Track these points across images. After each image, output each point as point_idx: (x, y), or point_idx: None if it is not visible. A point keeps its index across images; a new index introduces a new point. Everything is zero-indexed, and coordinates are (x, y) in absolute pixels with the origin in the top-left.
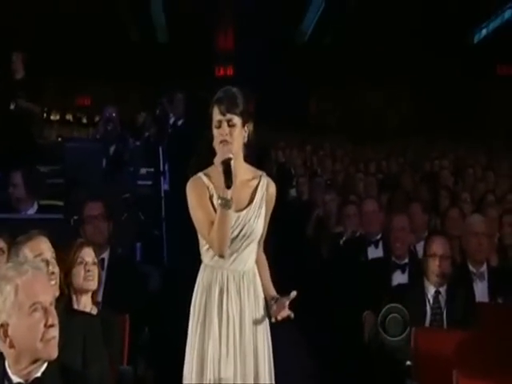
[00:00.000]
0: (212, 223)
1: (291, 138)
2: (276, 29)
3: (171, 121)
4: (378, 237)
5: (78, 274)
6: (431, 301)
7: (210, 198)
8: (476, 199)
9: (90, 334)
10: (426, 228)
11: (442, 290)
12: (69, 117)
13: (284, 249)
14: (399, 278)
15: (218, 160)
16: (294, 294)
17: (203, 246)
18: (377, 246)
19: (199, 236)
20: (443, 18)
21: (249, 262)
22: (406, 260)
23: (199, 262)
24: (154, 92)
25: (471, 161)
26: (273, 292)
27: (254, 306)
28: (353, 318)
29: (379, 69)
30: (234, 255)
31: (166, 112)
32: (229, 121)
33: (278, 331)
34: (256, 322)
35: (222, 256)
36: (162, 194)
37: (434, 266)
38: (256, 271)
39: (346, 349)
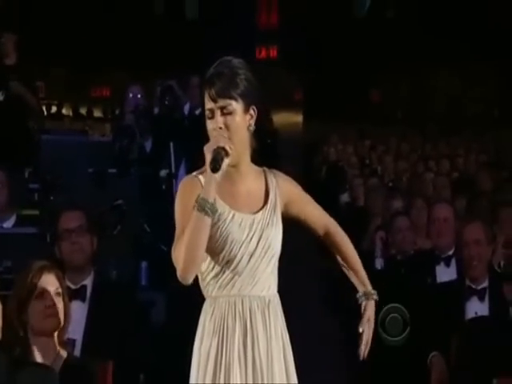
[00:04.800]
0: None
1: (348, 131)
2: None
3: (186, 110)
4: (451, 252)
5: (36, 310)
6: None
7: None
8: None
9: None
10: None
11: None
12: (83, 111)
13: (332, 268)
14: (476, 306)
15: (207, 148)
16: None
17: (208, 274)
18: (448, 265)
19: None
20: None
21: (272, 285)
22: (485, 284)
23: None
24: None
25: None
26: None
27: (283, 347)
28: (416, 358)
29: (454, 47)
30: (256, 276)
31: (178, 99)
32: (222, 108)
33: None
34: (285, 369)
35: (184, 279)
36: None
37: None
38: (279, 299)
39: None
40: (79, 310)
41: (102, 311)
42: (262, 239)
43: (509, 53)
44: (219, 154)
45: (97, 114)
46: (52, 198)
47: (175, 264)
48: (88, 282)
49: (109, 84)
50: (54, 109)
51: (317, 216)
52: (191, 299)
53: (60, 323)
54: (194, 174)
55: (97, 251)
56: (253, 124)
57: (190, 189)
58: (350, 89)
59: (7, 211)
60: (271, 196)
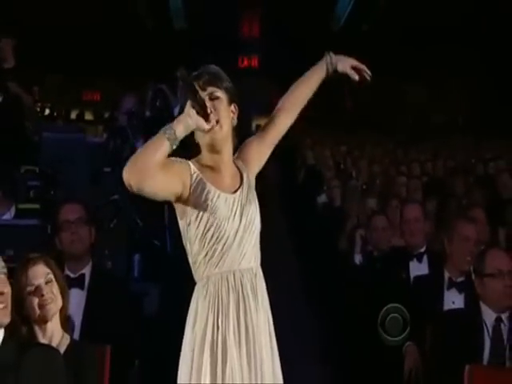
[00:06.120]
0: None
1: (324, 136)
2: (308, 13)
3: (176, 112)
4: (422, 250)
5: (33, 304)
6: (490, 331)
7: (190, 186)
8: None
9: (52, 375)
10: (484, 241)
11: (504, 316)
12: (74, 114)
13: (313, 264)
14: (454, 297)
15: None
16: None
17: (199, 254)
18: (420, 261)
19: (190, 250)
20: (494, 11)
21: (257, 257)
22: (463, 278)
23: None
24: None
25: None
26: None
27: (268, 318)
28: (393, 349)
29: (423, 60)
30: (243, 250)
31: (168, 101)
32: (211, 94)
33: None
34: (269, 334)
35: (139, 187)
36: None
37: (496, 286)
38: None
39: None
40: (78, 298)
41: (99, 299)
42: (243, 215)
43: (471, 69)
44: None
45: (88, 116)
46: (52, 192)
47: (126, 172)
48: (86, 271)
49: (99, 89)
50: (47, 111)
51: (274, 124)
52: (181, 291)
53: (58, 306)
54: (186, 161)
55: (95, 242)
56: (235, 119)
57: (180, 159)
58: (326, 97)
59: (6, 205)
60: (244, 176)
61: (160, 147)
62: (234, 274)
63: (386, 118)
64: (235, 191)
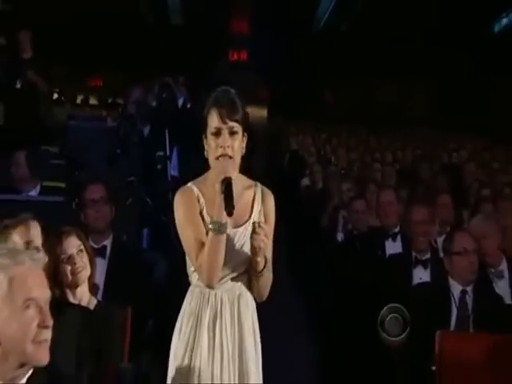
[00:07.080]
0: (202, 244)
1: (305, 125)
2: (292, 14)
3: (180, 103)
4: (396, 230)
5: (65, 271)
6: (457, 301)
7: (201, 212)
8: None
9: (83, 330)
10: (450, 222)
11: (469, 289)
12: (79, 99)
13: (297, 241)
14: (421, 273)
15: (215, 177)
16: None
17: (190, 266)
18: (395, 240)
19: (187, 257)
20: (461, 8)
21: (245, 282)
22: (428, 255)
23: None
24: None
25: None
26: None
27: (252, 337)
28: (370, 316)
29: (396, 58)
30: (230, 275)
31: (173, 93)
32: (231, 129)
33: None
34: (252, 357)
35: (210, 286)
36: (169, 179)
37: (462, 262)
38: (252, 297)
39: (363, 349)
40: (100, 265)
41: (118, 266)
42: (240, 252)
43: (437, 69)
44: (229, 194)
45: (92, 101)
46: (77, 173)
47: (198, 272)
48: (107, 242)
49: (102, 76)
50: (55, 96)
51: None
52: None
53: (88, 273)
54: (189, 184)
55: (114, 218)
56: (244, 148)
57: (187, 198)
58: (308, 89)
59: (30, 182)
60: (255, 210)
61: (222, 247)
62: (215, 293)
63: (362, 110)
64: (240, 225)
